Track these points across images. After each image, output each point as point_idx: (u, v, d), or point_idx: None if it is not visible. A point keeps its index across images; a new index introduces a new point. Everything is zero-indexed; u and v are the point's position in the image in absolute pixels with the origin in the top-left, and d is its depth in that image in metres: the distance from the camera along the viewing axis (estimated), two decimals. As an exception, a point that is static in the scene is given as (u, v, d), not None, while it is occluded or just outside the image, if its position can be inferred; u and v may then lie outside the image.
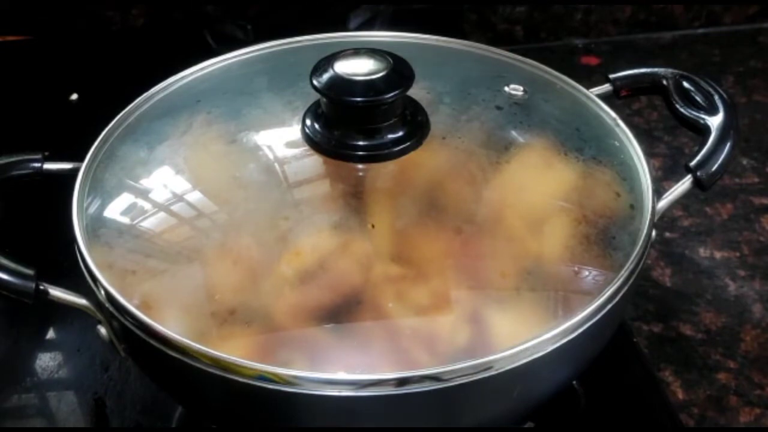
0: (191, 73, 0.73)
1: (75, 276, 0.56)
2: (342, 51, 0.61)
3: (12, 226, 0.77)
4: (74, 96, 0.95)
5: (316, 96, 0.61)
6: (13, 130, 0.89)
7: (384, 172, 0.63)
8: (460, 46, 0.75)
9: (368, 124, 0.60)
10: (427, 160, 0.65)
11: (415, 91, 0.62)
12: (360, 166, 0.61)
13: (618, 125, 0.67)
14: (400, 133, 0.61)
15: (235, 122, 0.67)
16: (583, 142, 0.67)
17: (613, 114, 0.67)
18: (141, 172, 0.65)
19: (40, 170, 0.62)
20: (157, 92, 0.71)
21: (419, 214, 0.64)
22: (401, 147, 0.61)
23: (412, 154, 0.62)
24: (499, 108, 0.68)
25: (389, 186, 0.64)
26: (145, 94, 0.70)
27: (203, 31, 1.00)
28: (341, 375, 0.52)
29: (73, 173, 0.62)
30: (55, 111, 0.94)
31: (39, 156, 0.62)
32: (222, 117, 0.68)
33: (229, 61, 0.75)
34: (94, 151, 0.64)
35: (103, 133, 0.65)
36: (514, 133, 0.72)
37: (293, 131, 0.63)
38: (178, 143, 0.66)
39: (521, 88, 0.69)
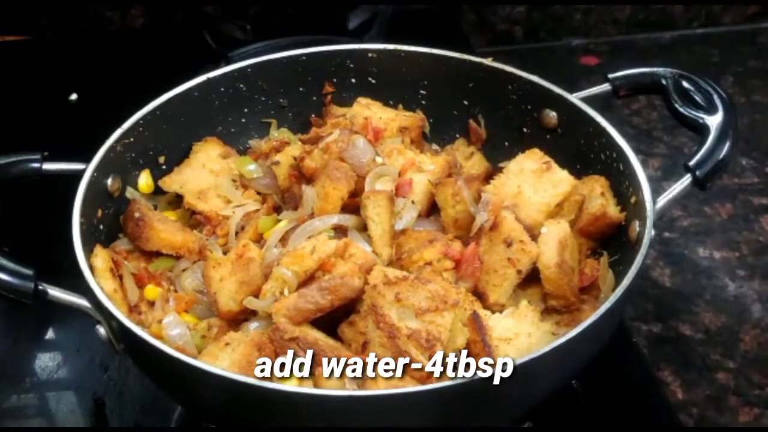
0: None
1: (75, 276, 0.56)
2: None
3: (12, 226, 0.77)
4: (74, 96, 0.95)
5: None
6: (13, 130, 0.88)
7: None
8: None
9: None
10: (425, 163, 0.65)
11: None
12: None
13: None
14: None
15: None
16: (581, 145, 0.67)
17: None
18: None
19: (40, 170, 0.62)
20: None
21: (419, 216, 0.64)
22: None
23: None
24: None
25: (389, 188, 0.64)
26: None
27: (203, 31, 1.00)
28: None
29: (72, 173, 0.62)
30: (55, 111, 0.94)
31: (38, 156, 0.62)
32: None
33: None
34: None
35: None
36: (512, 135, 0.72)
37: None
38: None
39: None
